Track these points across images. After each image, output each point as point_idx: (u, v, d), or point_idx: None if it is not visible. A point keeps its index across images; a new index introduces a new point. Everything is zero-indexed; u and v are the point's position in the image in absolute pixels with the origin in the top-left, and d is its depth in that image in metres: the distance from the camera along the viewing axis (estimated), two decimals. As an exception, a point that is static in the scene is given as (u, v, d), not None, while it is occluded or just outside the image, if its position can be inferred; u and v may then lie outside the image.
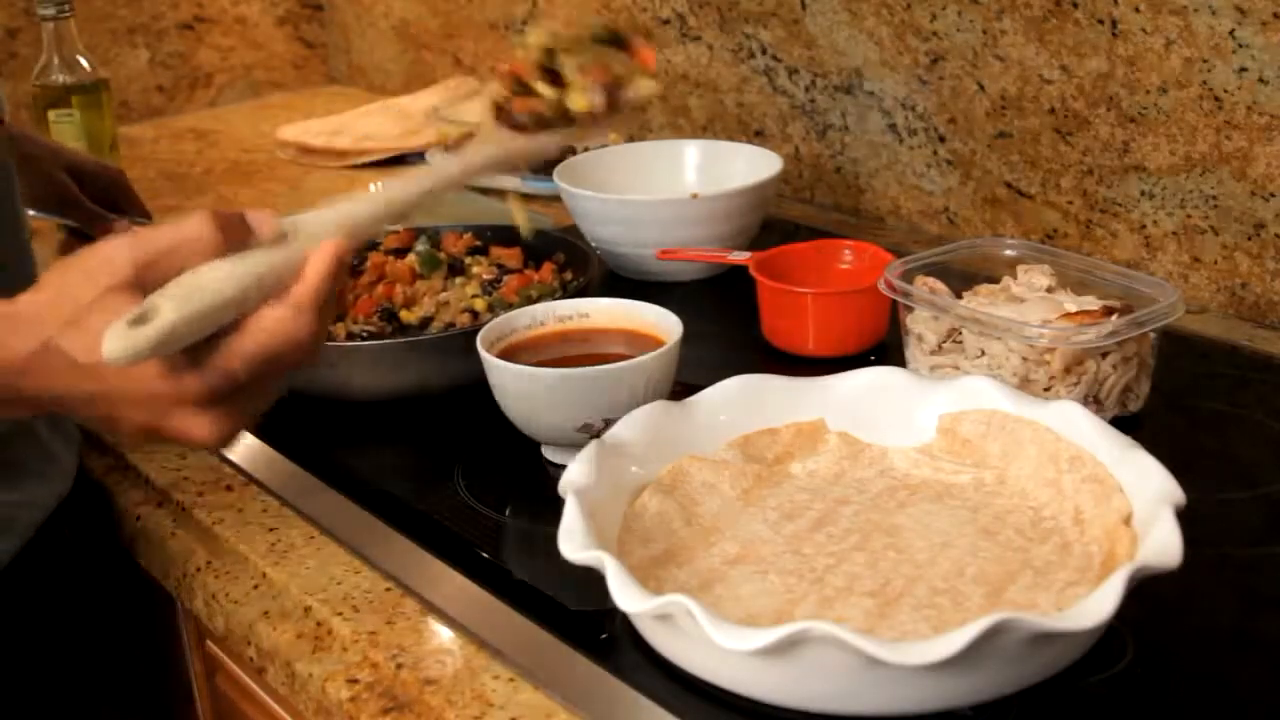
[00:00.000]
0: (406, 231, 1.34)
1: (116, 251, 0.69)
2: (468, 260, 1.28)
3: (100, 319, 0.67)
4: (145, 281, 0.68)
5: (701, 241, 1.32)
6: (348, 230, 0.75)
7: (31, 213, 1.52)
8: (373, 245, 1.29)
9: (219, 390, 0.70)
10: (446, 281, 1.24)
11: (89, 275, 0.68)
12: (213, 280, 0.68)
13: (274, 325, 0.70)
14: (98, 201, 1.30)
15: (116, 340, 0.65)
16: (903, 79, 1.46)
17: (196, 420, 0.71)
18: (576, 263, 1.25)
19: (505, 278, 1.23)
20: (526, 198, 1.68)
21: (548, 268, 1.27)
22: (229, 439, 0.74)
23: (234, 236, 0.71)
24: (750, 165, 1.42)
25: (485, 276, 1.24)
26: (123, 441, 1.05)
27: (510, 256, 1.28)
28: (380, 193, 0.78)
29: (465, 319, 1.16)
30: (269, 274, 0.71)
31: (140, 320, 0.66)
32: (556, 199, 1.61)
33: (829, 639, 0.67)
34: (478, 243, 1.32)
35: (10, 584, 1.01)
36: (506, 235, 1.32)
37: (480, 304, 1.18)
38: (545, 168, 1.67)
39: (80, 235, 1.30)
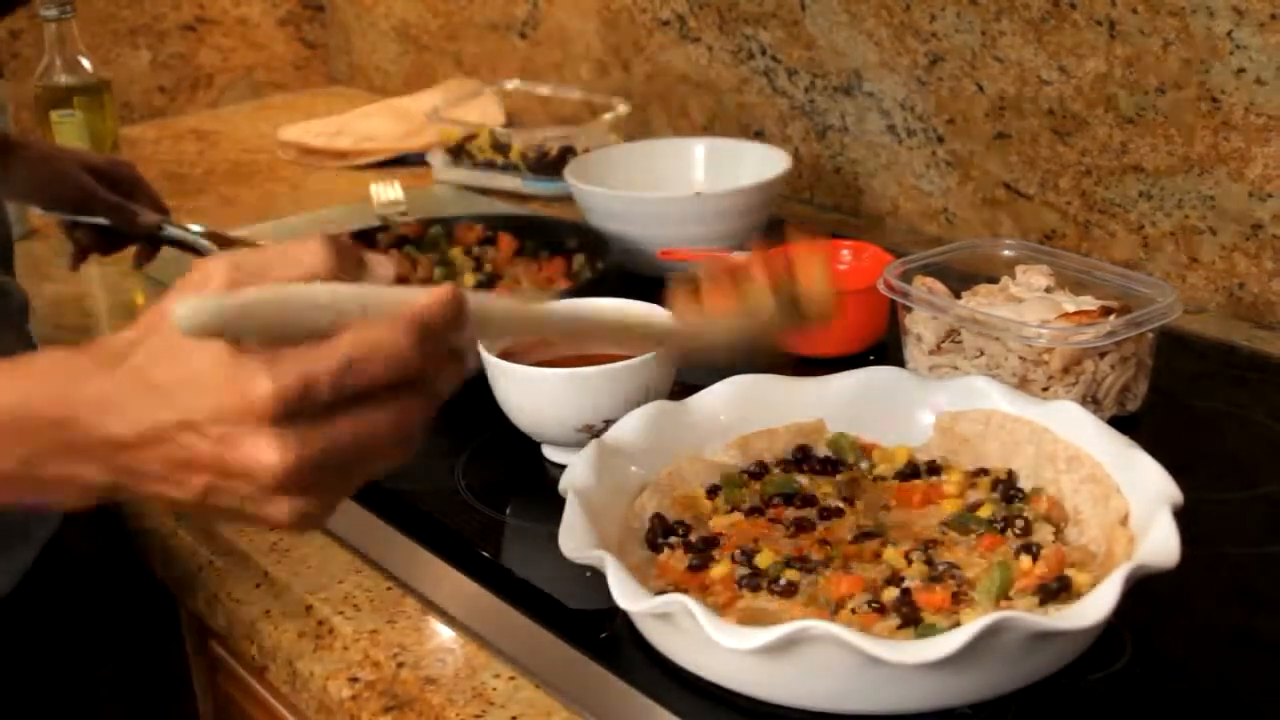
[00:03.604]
0: (417, 223, 1.35)
1: (214, 265, 0.60)
2: (475, 250, 1.31)
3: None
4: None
5: (707, 239, 1.32)
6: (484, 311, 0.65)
7: (38, 212, 1.53)
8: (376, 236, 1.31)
9: (293, 404, 0.57)
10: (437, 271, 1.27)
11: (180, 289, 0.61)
12: (309, 288, 0.59)
13: (369, 334, 0.58)
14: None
15: (185, 303, 0.56)
16: (902, 80, 1.46)
17: (268, 447, 0.58)
18: (592, 250, 1.27)
19: (497, 282, 1.25)
20: (527, 198, 1.69)
21: (558, 263, 1.29)
22: (309, 513, 0.61)
23: (348, 265, 0.62)
24: (759, 164, 1.42)
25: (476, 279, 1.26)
26: (193, 508, 0.68)
27: (509, 246, 1.31)
28: (543, 307, 0.70)
29: None
30: (376, 302, 0.60)
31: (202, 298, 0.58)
32: (557, 199, 1.61)
33: (828, 638, 0.68)
34: (489, 234, 1.34)
35: (26, 591, 1.01)
36: (517, 225, 1.34)
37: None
38: (545, 167, 1.67)
39: (94, 235, 1.30)
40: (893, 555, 0.81)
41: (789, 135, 1.61)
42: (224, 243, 1.32)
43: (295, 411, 0.57)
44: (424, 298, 0.60)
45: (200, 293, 0.58)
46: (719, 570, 0.80)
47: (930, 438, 0.93)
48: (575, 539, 0.78)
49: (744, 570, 0.80)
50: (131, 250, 1.40)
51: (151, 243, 1.31)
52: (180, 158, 2.01)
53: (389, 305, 0.59)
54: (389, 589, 0.91)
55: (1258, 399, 1.08)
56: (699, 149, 1.52)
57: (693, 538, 0.84)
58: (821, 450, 0.93)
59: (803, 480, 0.90)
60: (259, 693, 1.02)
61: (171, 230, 1.31)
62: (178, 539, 1.02)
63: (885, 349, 1.16)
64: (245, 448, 0.58)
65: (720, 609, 0.77)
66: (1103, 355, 1.00)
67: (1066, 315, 1.00)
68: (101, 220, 1.28)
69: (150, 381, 0.60)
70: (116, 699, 1.29)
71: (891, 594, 0.77)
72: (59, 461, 0.62)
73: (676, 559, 0.82)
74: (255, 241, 1.36)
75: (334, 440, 0.59)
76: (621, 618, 0.80)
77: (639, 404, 0.93)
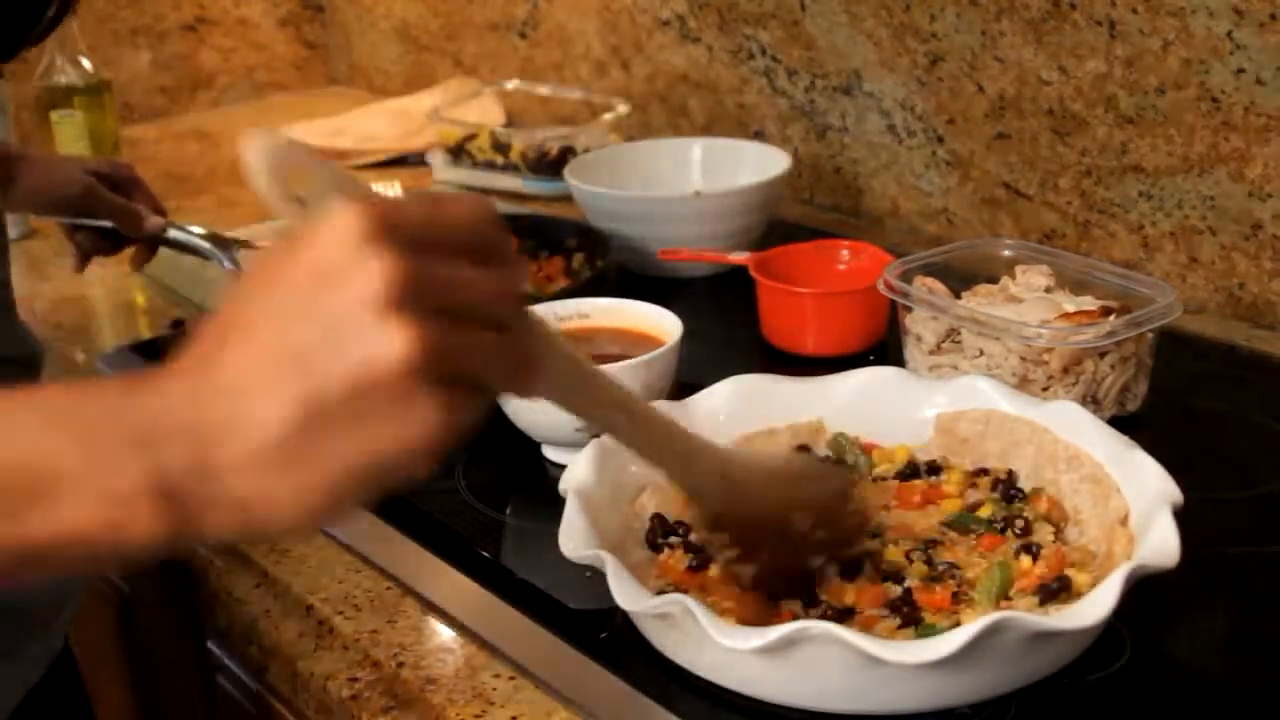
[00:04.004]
0: None
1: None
2: None
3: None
4: None
5: (706, 239, 1.32)
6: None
7: (34, 217, 1.53)
8: None
9: (389, 221, 0.49)
10: None
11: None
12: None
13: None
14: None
15: (254, 150, 0.51)
16: (902, 80, 1.46)
17: (395, 331, 0.48)
18: (591, 249, 1.27)
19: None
20: (527, 198, 1.69)
21: (557, 262, 1.29)
22: (450, 411, 0.50)
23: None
24: (759, 164, 1.42)
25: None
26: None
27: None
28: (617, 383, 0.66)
29: None
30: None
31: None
32: (556, 199, 1.61)
33: (828, 638, 0.68)
34: None
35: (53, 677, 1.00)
36: (516, 224, 1.34)
37: None
38: (545, 167, 1.68)
39: (95, 237, 1.30)
40: (893, 554, 0.81)
41: (789, 135, 1.61)
42: (224, 244, 1.32)
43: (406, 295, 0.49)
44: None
45: None
46: (719, 570, 0.80)
47: (930, 438, 0.93)
48: (575, 539, 0.78)
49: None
50: (131, 248, 1.40)
51: (149, 244, 1.31)
52: (181, 158, 2.01)
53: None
54: (389, 589, 0.91)
55: (1257, 399, 1.08)
56: (698, 149, 1.52)
57: (693, 538, 0.84)
58: (821, 450, 0.93)
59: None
60: (259, 693, 1.02)
61: (175, 233, 1.31)
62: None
63: (885, 349, 1.16)
64: (378, 343, 0.48)
65: (720, 609, 0.77)
66: (1103, 355, 1.00)
67: (1066, 315, 1.00)
68: (104, 223, 1.28)
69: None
70: (117, 699, 1.29)
71: (893, 592, 0.77)
72: (129, 446, 0.50)
73: (676, 559, 0.82)
74: (255, 243, 1.36)
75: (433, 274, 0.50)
76: (621, 618, 0.80)
77: (639, 404, 0.93)
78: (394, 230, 0.49)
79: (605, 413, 0.66)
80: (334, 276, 0.49)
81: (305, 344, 0.49)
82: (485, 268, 0.52)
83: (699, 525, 0.75)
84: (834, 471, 0.80)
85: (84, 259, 1.33)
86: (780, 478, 0.78)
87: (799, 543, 0.76)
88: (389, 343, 0.48)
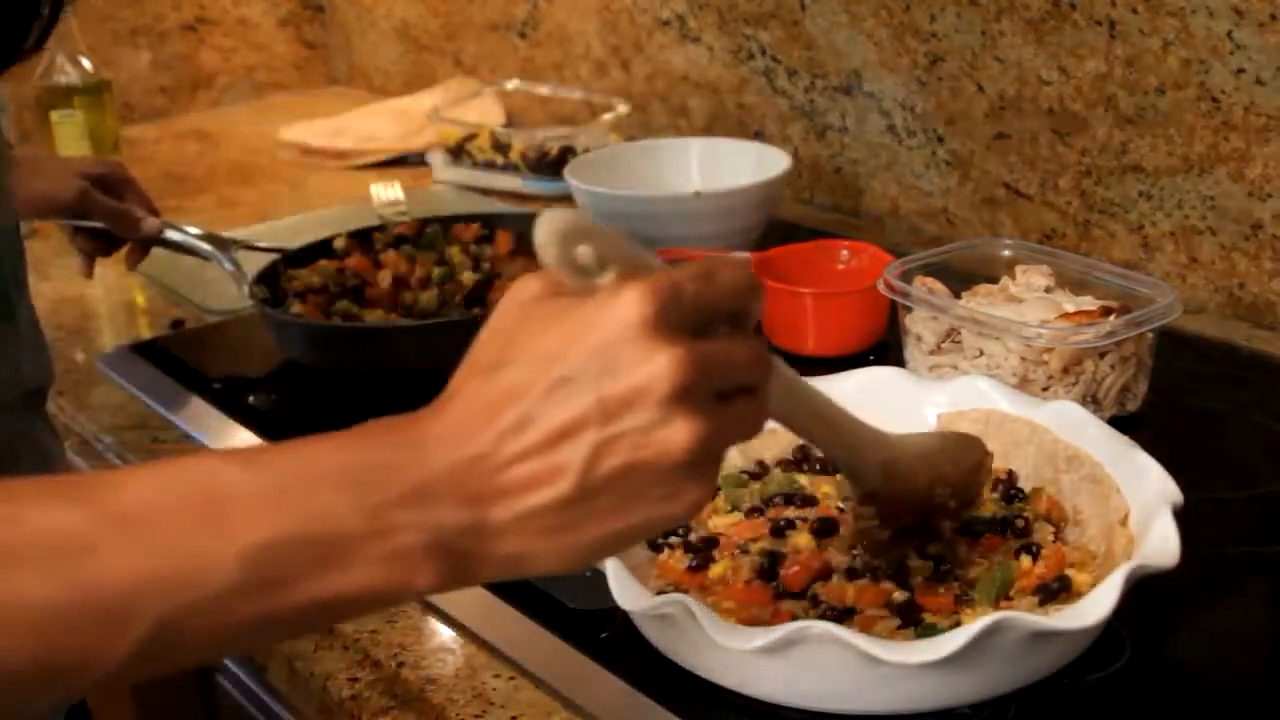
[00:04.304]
0: (414, 222, 1.36)
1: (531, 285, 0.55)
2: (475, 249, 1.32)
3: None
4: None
5: (706, 239, 1.32)
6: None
7: (35, 221, 1.53)
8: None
9: (671, 309, 0.52)
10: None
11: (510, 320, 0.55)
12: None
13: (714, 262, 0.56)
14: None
15: (546, 222, 0.53)
16: (902, 80, 1.46)
17: (679, 422, 0.51)
18: None
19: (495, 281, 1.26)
20: (527, 198, 1.69)
21: None
22: (714, 455, 0.54)
23: None
24: (759, 164, 1.42)
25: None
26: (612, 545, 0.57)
27: (506, 244, 1.32)
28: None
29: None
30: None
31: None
32: (557, 199, 1.61)
33: (828, 638, 0.68)
34: (486, 232, 1.34)
35: None
36: (514, 223, 1.35)
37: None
38: (545, 167, 1.68)
39: (94, 238, 1.30)
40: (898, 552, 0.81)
41: (789, 135, 1.61)
42: (222, 244, 1.32)
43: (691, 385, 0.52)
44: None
45: None
46: (719, 570, 0.80)
47: (930, 438, 0.93)
48: (575, 539, 0.78)
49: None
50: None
51: (143, 244, 1.31)
52: (181, 158, 2.01)
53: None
54: (389, 589, 0.91)
55: (1257, 399, 1.08)
56: (698, 149, 1.52)
57: (693, 538, 0.84)
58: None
59: (803, 480, 0.90)
60: (259, 693, 1.02)
61: (172, 233, 1.31)
62: (178, 539, 1.02)
63: (885, 349, 1.16)
64: (661, 432, 0.51)
65: (720, 609, 0.77)
66: (1103, 355, 1.00)
67: (1066, 315, 1.00)
68: (99, 225, 1.28)
69: (476, 364, 0.54)
70: (117, 699, 1.29)
71: (900, 596, 0.77)
72: (408, 506, 0.52)
73: (676, 559, 0.82)
74: (255, 243, 1.36)
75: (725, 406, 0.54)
76: (621, 618, 0.80)
77: (639, 404, 0.93)
78: (677, 319, 0.52)
79: (806, 422, 0.71)
80: (619, 366, 0.51)
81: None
82: (744, 334, 0.56)
83: (852, 500, 0.79)
84: (973, 444, 0.83)
85: (90, 262, 1.33)
86: (930, 457, 0.80)
87: (936, 509, 0.80)
88: (673, 436, 0.52)
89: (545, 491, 0.52)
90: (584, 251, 0.53)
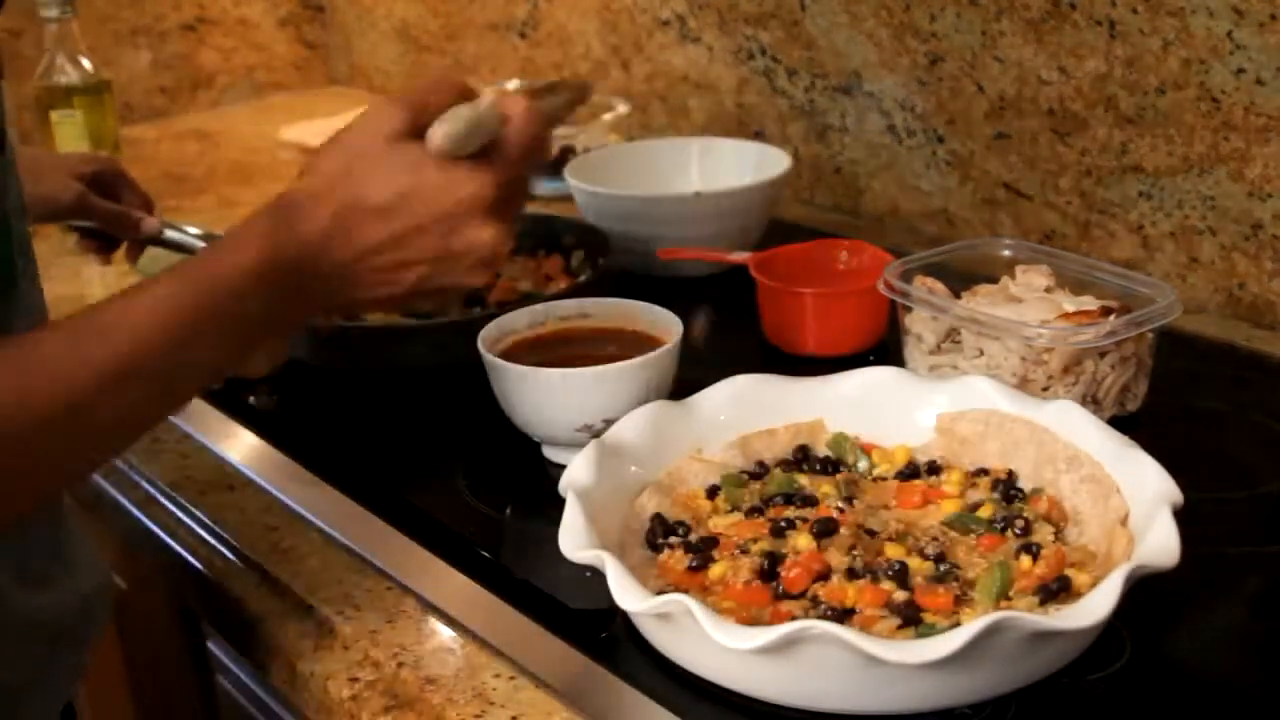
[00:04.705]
0: None
1: (388, 106, 0.79)
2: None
3: (395, 160, 0.77)
4: (418, 126, 0.78)
5: (706, 239, 1.32)
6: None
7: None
8: None
9: (504, 188, 0.79)
10: None
11: (368, 132, 0.78)
12: (489, 105, 0.79)
13: (521, 140, 0.80)
14: (105, 198, 1.30)
15: (439, 127, 0.77)
16: (902, 80, 1.46)
17: (485, 228, 0.78)
18: (590, 247, 1.27)
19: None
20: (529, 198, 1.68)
21: (556, 260, 1.29)
22: (507, 248, 0.81)
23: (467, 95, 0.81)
24: (759, 164, 1.42)
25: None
26: (402, 300, 0.87)
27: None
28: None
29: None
30: (496, 103, 0.80)
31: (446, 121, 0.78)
32: (557, 198, 1.61)
33: (828, 638, 0.68)
34: None
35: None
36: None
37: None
38: (545, 167, 1.67)
39: (92, 237, 1.30)
40: (898, 552, 0.81)
41: (789, 135, 1.61)
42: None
43: (495, 202, 0.79)
44: (521, 109, 0.80)
45: (439, 123, 0.77)
46: (719, 570, 0.80)
47: (930, 438, 0.93)
48: (575, 539, 0.78)
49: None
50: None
51: (141, 242, 1.31)
52: (181, 158, 2.01)
53: (501, 103, 0.80)
54: (389, 589, 0.91)
55: (1257, 399, 1.08)
56: (698, 149, 1.52)
57: (693, 538, 0.84)
58: (821, 450, 0.93)
59: (803, 480, 0.90)
60: (259, 693, 1.02)
61: (171, 235, 1.30)
62: (178, 539, 1.02)
63: (885, 349, 1.16)
64: (470, 233, 0.78)
65: (720, 609, 0.77)
66: (1103, 355, 1.00)
67: (1066, 315, 1.00)
68: (91, 224, 1.28)
69: (370, 205, 0.76)
70: (116, 699, 1.29)
71: (895, 594, 0.77)
72: (295, 304, 0.78)
73: (676, 559, 0.82)
74: None
75: (513, 201, 0.82)
76: (621, 618, 0.80)
77: (639, 404, 0.94)
78: (505, 198, 0.80)
79: None
80: (458, 229, 0.79)
81: (417, 276, 0.80)
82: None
83: None
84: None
85: (103, 254, 1.31)
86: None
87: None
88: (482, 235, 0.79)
89: (382, 294, 0.80)
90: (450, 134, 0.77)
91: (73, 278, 1.51)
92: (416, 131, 0.78)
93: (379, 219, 0.77)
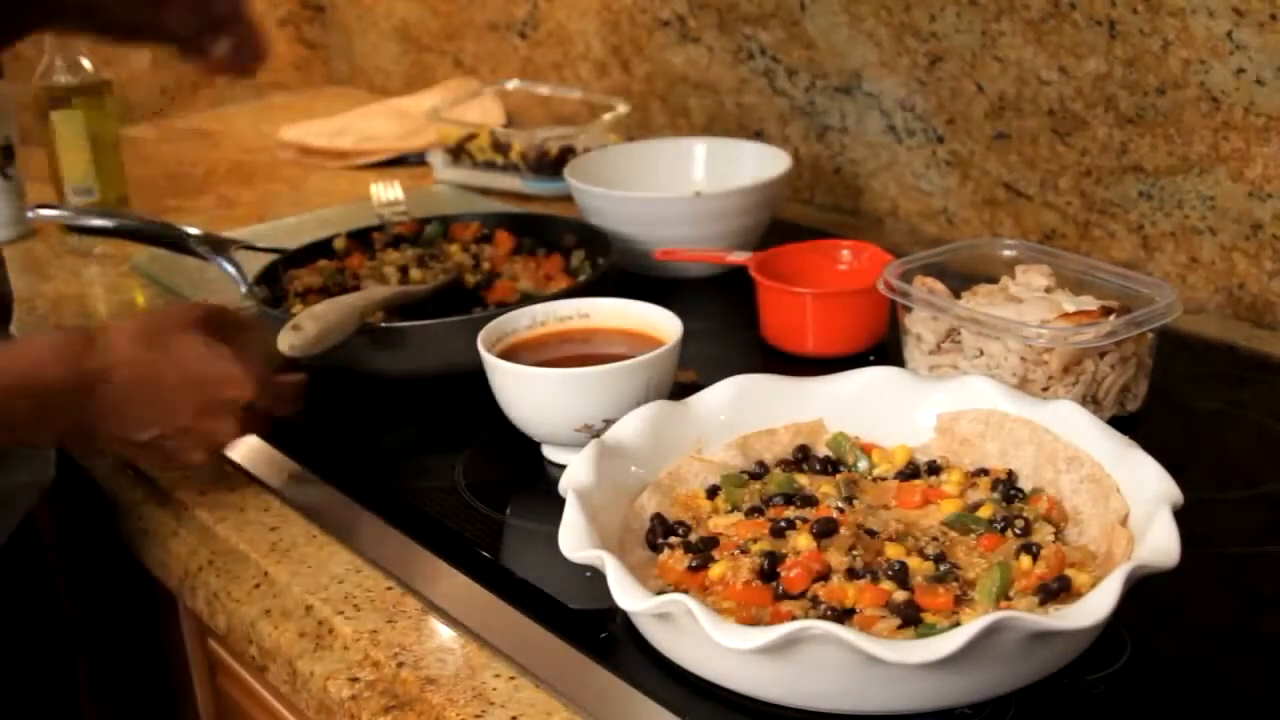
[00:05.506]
0: (413, 221, 1.36)
1: (191, 308, 0.98)
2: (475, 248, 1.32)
3: (189, 338, 0.95)
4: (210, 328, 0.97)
5: (707, 240, 1.32)
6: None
7: (34, 214, 1.52)
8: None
9: (259, 392, 0.97)
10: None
11: (170, 315, 0.97)
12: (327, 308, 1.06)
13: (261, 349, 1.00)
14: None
15: (285, 339, 1.02)
16: (902, 80, 1.46)
17: (228, 421, 0.96)
18: (590, 247, 1.28)
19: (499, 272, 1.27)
20: (527, 198, 1.69)
21: (556, 260, 1.29)
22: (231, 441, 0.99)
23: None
24: (759, 164, 1.42)
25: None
26: (134, 452, 1.01)
27: (506, 244, 1.32)
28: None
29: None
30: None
31: (296, 329, 1.03)
32: (557, 199, 1.61)
33: (828, 638, 0.68)
34: (486, 231, 1.34)
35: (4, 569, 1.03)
36: (514, 222, 1.35)
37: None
38: (545, 167, 1.68)
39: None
40: (898, 552, 0.81)
41: (789, 135, 1.61)
42: (221, 245, 1.32)
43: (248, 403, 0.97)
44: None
45: (288, 330, 1.03)
46: (719, 570, 0.80)
47: (930, 438, 0.93)
48: (575, 539, 0.78)
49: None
50: (131, 249, 1.41)
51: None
52: (181, 158, 2.01)
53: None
54: (389, 589, 0.91)
55: (1257, 399, 1.08)
56: (699, 149, 1.52)
57: (693, 538, 0.84)
58: (821, 450, 0.93)
59: (803, 480, 0.90)
60: (259, 693, 1.02)
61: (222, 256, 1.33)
62: (178, 539, 1.02)
63: (885, 349, 1.16)
64: (222, 425, 0.96)
65: (720, 609, 0.77)
66: (1102, 355, 1.00)
67: (1066, 315, 1.00)
68: (103, 223, 1.28)
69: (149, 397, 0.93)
70: (116, 699, 1.29)
71: (900, 596, 0.77)
72: (70, 428, 0.94)
73: (676, 559, 0.82)
74: (255, 244, 1.36)
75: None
76: (621, 618, 0.80)
77: (639, 404, 0.94)
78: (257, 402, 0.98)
79: None
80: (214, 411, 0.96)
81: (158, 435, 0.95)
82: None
83: None
84: None
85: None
86: None
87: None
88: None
89: (128, 436, 0.95)
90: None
91: (73, 278, 1.51)
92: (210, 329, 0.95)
93: (160, 409, 0.93)
